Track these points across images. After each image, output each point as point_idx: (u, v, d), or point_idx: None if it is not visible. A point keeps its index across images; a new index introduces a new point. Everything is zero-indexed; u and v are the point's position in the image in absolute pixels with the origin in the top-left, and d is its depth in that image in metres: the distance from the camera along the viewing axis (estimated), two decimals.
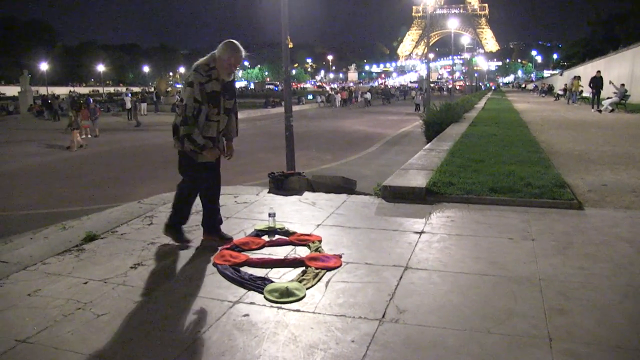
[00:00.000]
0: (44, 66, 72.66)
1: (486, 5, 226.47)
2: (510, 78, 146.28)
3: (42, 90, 65.26)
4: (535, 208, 5.39)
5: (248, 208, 5.82)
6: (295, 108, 39.10)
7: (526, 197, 5.59)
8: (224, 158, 4.71)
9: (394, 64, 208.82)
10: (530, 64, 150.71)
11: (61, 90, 72.96)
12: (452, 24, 44.06)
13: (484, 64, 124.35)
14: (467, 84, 72.70)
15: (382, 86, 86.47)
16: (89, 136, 20.50)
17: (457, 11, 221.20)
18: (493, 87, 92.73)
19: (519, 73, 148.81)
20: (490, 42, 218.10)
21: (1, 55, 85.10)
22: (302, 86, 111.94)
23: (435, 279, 3.65)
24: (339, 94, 51.35)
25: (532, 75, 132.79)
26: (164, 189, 7.72)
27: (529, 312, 3.10)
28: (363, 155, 14.49)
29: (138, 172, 12.47)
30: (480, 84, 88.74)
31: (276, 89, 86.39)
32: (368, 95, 51.49)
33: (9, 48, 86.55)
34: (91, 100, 28.17)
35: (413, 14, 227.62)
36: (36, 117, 36.11)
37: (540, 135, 12.20)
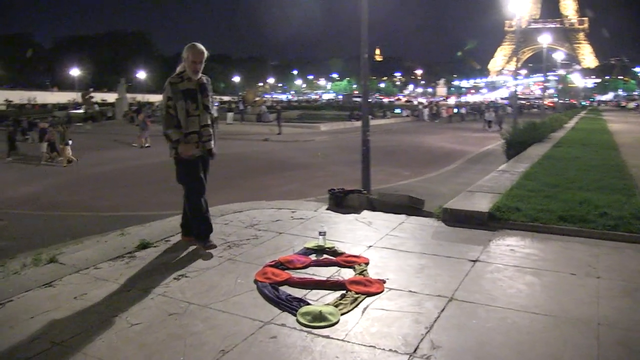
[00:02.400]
0: (141, 75, 77.27)
1: (586, 19, 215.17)
2: (609, 96, 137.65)
3: (139, 97, 69.56)
4: (607, 242, 4.93)
5: (303, 224, 5.77)
6: (380, 122, 39.27)
7: (598, 228, 5.14)
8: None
9: (484, 80, 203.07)
10: (633, 81, 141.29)
11: (156, 98, 77.26)
12: (545, 39, 42.13)
13: (579, 81, 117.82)
14: (560, 101, 69.20)
15: (447, 102, 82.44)
16: (146, 146, 21.18)
17: (553, 25, 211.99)
18: (594, 102, 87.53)
19: (620, 91, 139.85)
20: (588, 58, 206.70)
21: (107, 65, 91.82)
22: (390, 100, 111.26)
23: (480, 314, 3.40)
24: (426, 108, 50.83)
25: (635, 93, 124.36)
26: (238, 198, 7.88)
27: None
28: (442, 172, 14.09)
29: (214, 181, 12.74)
30: (575, 101, 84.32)
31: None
32: (463, 110, 50.67)
33: (114, 58, 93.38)
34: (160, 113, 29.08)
35: (505, 28, 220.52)
36: (129, 123, 38.40)
37: (631, 160, 11.29)
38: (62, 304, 3.62)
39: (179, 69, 4.78)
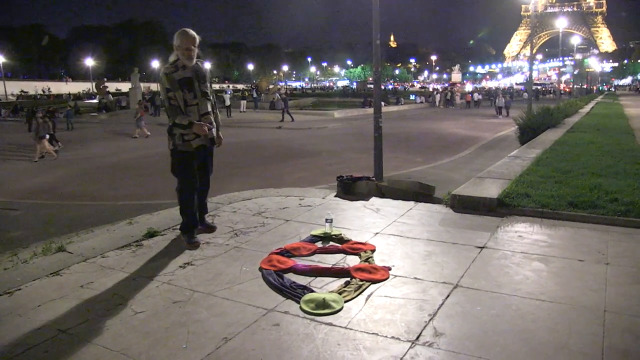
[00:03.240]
0: (155, 64, 77.52)
1: (604, 1, 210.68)
2: (627, 80, 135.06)
3: (154, 86, 69.90)
4: (618, 227, 4.86)
5: (310, 212, 5.76)
6: (393, 108, 39.03)
7: (609, 214, 5.05)
8: (215, 146, 4.96)
9: (499, 65, 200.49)
10: None
11: None
12: (561, 23, 41.49)
13: (597, 65, 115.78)
14: (577, 86, 68.18)
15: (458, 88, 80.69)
16: (135, 136, 20.71)
17: (570, 9, 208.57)
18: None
19: (639, 75, 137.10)
20: (606, 42, 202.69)
21: (122, 55, 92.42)
22: (406, 86, 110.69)
23: (485, 301, 3.37)
24: (439, 94, 50.45)
25: None
26: (250, 186, 7.92)
27: (583, 349, 2.77)
28: (456, 159, 13.96)
29: (227, 169, 12.77)
30: (594, 86, 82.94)
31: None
32: (479, 96, 50.16)
33: (128, 48, 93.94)
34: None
35: (522, 12, 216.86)
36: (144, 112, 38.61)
37: None
38: (68, 293, 3.65)
39: (171, 59, 4.66)
